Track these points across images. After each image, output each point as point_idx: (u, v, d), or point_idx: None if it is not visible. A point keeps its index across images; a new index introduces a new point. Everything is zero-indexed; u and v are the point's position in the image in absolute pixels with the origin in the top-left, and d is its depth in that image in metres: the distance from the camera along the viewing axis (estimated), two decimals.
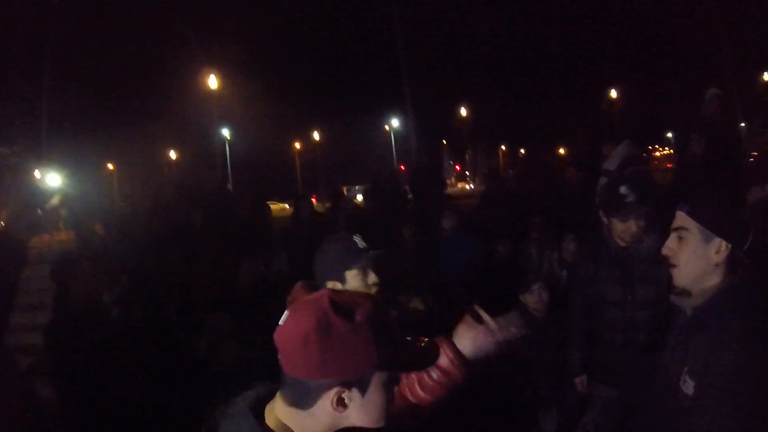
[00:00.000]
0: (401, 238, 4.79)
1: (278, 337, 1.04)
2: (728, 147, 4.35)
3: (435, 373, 1.40)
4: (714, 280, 1.44)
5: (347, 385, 1.01)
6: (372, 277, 1.92)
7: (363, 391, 1.03)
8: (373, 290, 1.90)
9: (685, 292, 1.48)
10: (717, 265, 1.43)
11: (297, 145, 33.39)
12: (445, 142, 31.79)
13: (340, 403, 1.01)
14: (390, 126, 29.87)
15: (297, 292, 1.98)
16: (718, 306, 1.41)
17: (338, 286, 1.89)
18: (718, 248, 1.43)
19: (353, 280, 1.89)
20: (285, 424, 1.04)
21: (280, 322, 1.05)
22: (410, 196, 6.83)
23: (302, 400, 1.03)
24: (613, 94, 21.32)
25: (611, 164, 2.69)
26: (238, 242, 5.67)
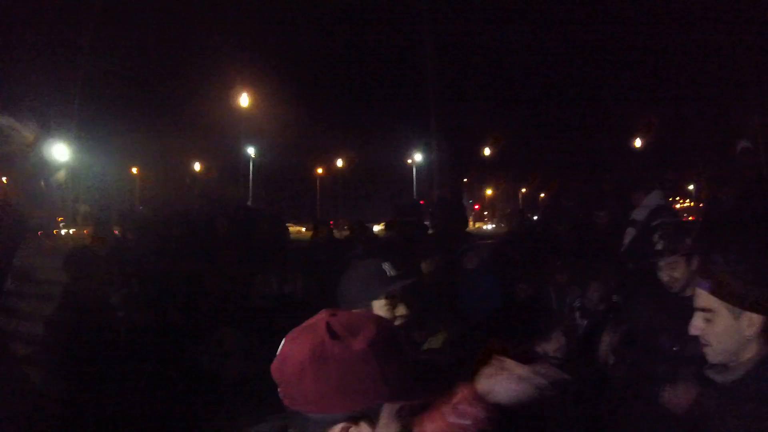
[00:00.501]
0: (419, 272, 4.69)
1: (274, 368, 0.94)
2: (759, 204, 4.22)
3: (455, 418, 1.29)
4: (751, 352, 1.37)
5: (354, 420, 0.91)
6: (401, 309, 1.80)
7: (373, 425, 0.93)
8: (399, 322, 1.79)
9: (721, 367, 1.42)
10: (751, 338, 1.35)
11: (319, 171, 33.69)
12: (465, 180, 31.84)
13: None
14: (413, 160, 30.05)
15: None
16: (758, 379, 1.33)
17: None
18: (750, 321, 1.34)
19: (380, 310, 1.77)
20: None
21: (278, 352, 0.95)
22: (431, 231, 6.76)
23: None
24: (638, 143, 21.23)
25: (639, 214, 2.62)
26: (254, 257, 5.63)
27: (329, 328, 0.92)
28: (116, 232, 6.14)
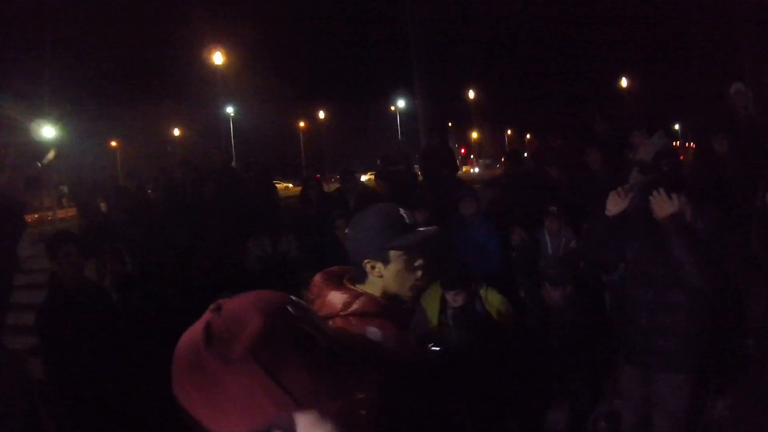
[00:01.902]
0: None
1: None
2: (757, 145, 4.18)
3: None
4: None
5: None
6: (419, 261, 1.60)
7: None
8: (419, 277, 1.62)
9: None
10: None
11: (301, 124, 33.14)
12: (450, 124, 31.51)
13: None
14: (396, 107, 29.58)
15: (318, 288, 1.69)
16: None
17: (379, 267, 1.59)
18: None
19: (397, 261, 1.58)
20: None
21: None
22: (420, 178, 6.68)
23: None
24: (624, 83, 21.01)
25: (646, 154, 2.59)
26: (245, 220, 5.56)
27: (207, 330, 0.78)
28: (102, 208, 6.01)
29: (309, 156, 31.64)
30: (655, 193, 2.31)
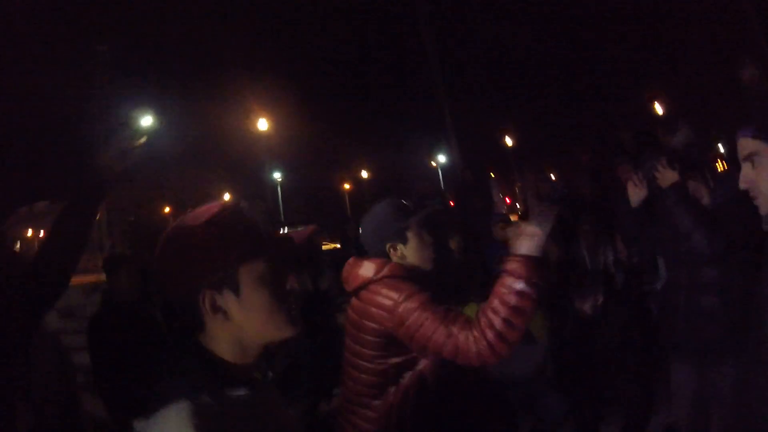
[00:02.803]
0: (449, 250, 4.73)
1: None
2: None
3: (509, 281, 1.60)
4: None
5: (215, 287, 0.98)
6: (428, 237, 1.92)
7: (235, 291, 0.99)
8: (431, 250, 1.91)
9: None
10: None
11: (346, 186, 33.95)
12: (492, 175, 31.57)
13: (217, 309, 0.98)
14: (436, 161, 29.98)
15: (350, 266, 1.98)
16: None
17: (399, 247, 1.89)
18: None
19: (413, 239, 1.90)
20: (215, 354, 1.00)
21: None
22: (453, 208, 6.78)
23: (192, 319, 1.00)
24: (659, 110, 20.79)
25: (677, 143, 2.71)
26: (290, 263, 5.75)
27: (183, 218, 1.04)
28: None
29: (354, 216, 32.19)
30: (658, 165, 2.35)
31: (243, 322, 0.99)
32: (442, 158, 29.07)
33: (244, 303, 0.99)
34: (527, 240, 1.64)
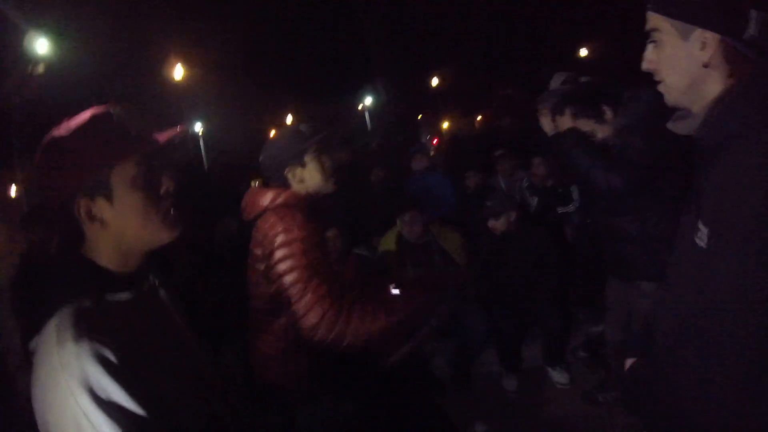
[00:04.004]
0: (369, 181, 4.78)
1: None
2: None
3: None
4: (714, 87, 1.07)
5: (88, 195, 0.98)
6: (327, 161, 1.95)
7: (108, 197, 0.99)
8: (330, 173, 1.93)
9: (684, 112, 1.15)
10: (708, 65, 1.06)
11: (272, 132, 33.10)
12: (420, 117, 31.67)
13: (93, 217, 0.98)
14: (364, 105, 29.66)
15: (249, 195, 1.97)
16: (724, 118, 1.03)
17: (299, 171, 1.90)
18: (702, 42, 1.06)
19: (311, 162, 1.92)
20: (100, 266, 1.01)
21: None
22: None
23: (70, 229, 1.00)
24: (583, 52, 21.34)
25: (554, 82, 2.79)
26: (212, 206, 5.69)
27: (55, 128, 1.02)
28: None
29: None
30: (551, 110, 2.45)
31: (119, 228, 0.99)
32: (369, 102, 28.79)
33: (118, 208, 0.99)
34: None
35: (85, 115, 1.01)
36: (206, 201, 5.86)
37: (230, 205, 5.47)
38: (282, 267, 1.72)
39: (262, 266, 1.82)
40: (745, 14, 1.01)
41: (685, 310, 1.07)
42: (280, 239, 1.74)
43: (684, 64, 1.08)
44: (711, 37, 1.05)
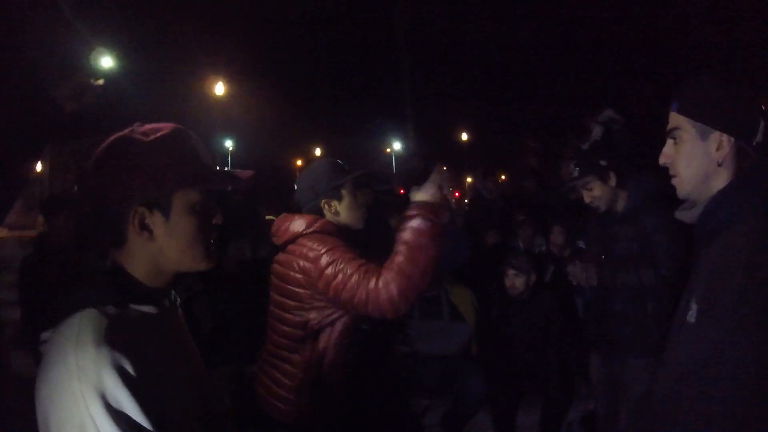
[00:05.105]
0: (389, 225, 4.78)
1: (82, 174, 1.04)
2: None
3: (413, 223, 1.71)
4: (721, 182, 1.19)
5: (147, 206, 0.98)
6: (361, 198, 2.01)
7: (166, 214, 1.00)
8: (363, 210, 1.97)
9: (690, 203, 1.25)
10: (721, 164, 1.18)
11: (299, 162, 33.58)
12: (444, 168, 31.86)
13: (144, 227, 0.99)
14: (392, 149, 30.09)
15: (280, 221, 1.99)
16: (720, 207, 1.16)
17: (334, 203, 1.93)
18: (719, 143, 1.18)
19: (347, 197, 1.96)
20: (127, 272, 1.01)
21: None
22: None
23: (115, 232, 0.99)
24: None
25: (602, 118, 2.83)
26: (228, 228, 5.70)
27: (133, 128, 1.03)
28: None
29: None
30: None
31: (165, 245, 1.00)
32: (397, 146, 29.24)
33: (171, 227, 1.00)
34: (422, 192, 1.79)
35: (167, 128, 1.03)
36: (224, 222, 5.89)
37: (250, 228, 5.53)
38: (333, 272, 1.76)
39: (303, 290, 1.83)
40: (756, 122, 1.17)
41: (675, 376, 1.15)
42: (326, 255, 1.78)
43: (700, 161, 1.21)
44: (727, 140, 1.18)
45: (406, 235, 1.70)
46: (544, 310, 3.59)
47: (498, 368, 3.57)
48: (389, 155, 30.27)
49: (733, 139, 1.18)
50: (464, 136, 27.60)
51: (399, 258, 1.68)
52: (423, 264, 1.68)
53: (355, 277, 1.72)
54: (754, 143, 1.17)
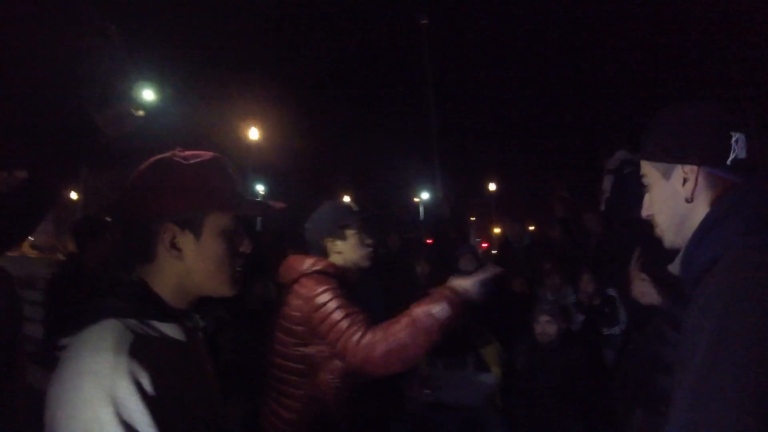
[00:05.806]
0: (415, 275, 4.76)
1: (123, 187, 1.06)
2: None
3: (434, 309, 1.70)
4: (698, 221, 1.04)
5: (179, 224, 1.00)
6: (367, 239, 2.04)
7: (197, 234, 1.02)
8: (369, 250, 1.99)
9: (676, 254, 1.11)
10: (691, 199, 1.05)
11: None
12: (473, 219, 31.85)
13: (174, 246, 1.01)
14: (420, 198, 30.19)
15: (289, 261, 2.02)
16: (700, 248, 1.01)
17: (338, 243, 1.97)
18: (684, 178, 1.06)
19: (351, 237, 2.01)
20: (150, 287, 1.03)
21: None
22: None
23: (145, 248, 1.01)
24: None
25: (612, 164, 2.78)
26: (255, 265, 5.77)
27: (175, 151, 1.07)
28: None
29: None
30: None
31: (192, 266, 1.02)
32: (425, 195, 29.35)
33: (201, 248, 1.02)
34: (464, 282, 1.77)
35: (207, 155, 1.07)
36: (252, 260, 5.97)
37: (276, 267, 5.58)
38: (325, 311, 1.79)
39: (300, 328, 1.86)
40: (724, 142, 1.02)
41: None
42: (322, 295, 1.81)
43: (671, 202, 1.08)
44: (690, 170, 1.05)
45: (421, 314, 1.69)
46: (570, 362, 3.49)
47: (523, 419, 3.46)
48: (417, 204, 30.35)
49: (696, 168, 1.04)
50: (492, 186, 27.62)
51: (400, 329, 1.68)
52: (422, 345, 1.67)
53: (341, 325, 1.74)
54: (728, 163, 1.02)
